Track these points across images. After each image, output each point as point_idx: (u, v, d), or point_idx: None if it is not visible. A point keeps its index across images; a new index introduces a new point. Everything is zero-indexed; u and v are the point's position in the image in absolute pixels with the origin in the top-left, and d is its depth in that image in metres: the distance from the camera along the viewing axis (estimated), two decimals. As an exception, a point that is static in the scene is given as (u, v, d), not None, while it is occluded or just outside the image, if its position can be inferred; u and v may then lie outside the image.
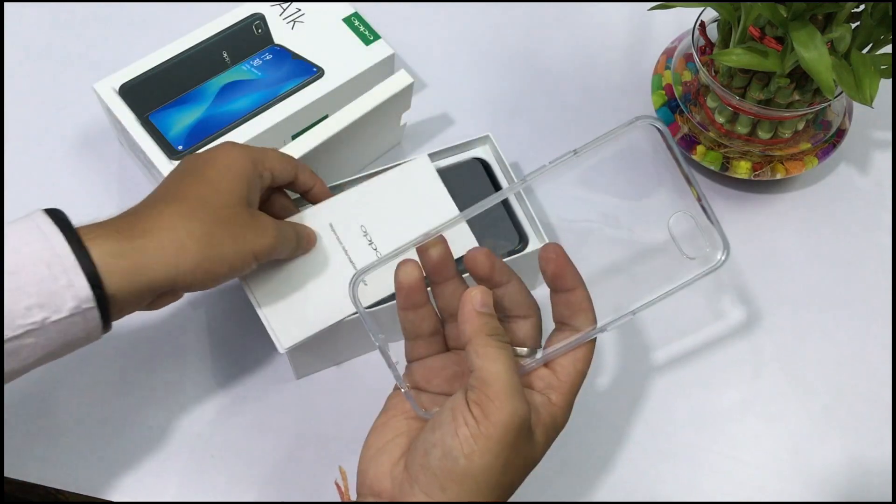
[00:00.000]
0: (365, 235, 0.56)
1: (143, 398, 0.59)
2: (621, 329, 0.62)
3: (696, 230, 0.43)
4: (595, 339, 0.43)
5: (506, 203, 0.60)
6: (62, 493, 0.56)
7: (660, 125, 0.43)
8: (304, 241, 0.54)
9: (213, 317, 0.62)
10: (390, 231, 0.57)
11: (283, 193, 0.55)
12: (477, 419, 0.40)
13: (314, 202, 0.56)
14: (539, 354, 0.45)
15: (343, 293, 0.53)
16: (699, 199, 0.43)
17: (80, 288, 0.42)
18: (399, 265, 0.45)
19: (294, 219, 0.55)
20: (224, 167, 0.49)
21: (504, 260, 0.58)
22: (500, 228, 0.59)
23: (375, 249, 0.56)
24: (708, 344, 0.62)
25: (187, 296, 0.62)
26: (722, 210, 0.68)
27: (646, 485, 0.58)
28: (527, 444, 0.41)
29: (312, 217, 0.56)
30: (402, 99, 0.63)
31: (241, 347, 0.61)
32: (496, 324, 0.42)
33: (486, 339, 0.41)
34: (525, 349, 0.45)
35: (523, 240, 0.59)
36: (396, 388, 0.47)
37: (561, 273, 0.43)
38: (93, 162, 0.68)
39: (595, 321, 0.44)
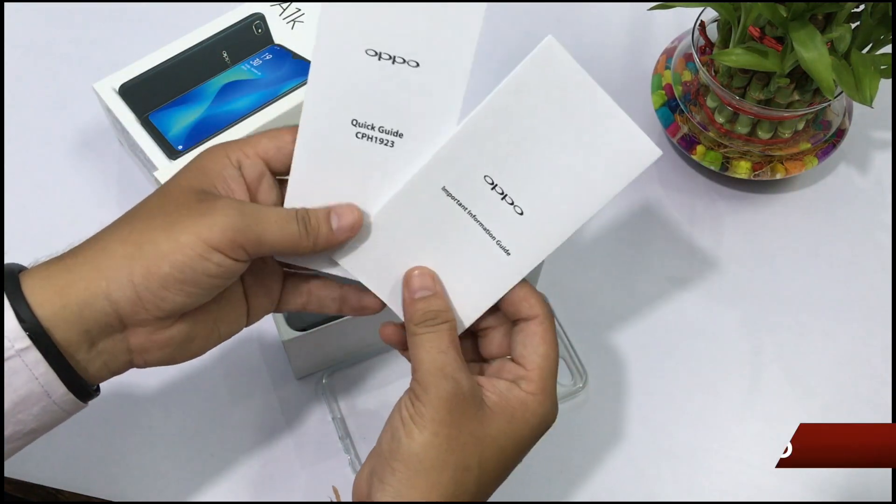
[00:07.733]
0: (494, 188, 0.42)
1: (143, 398, 0.59)
2: (620, 330, 0.63)
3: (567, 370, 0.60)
4: (553, 322, 0.44)
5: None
6: (62, 493, 0.56)
7: None
8: (316, 230, 0.42)
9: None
10: (530, 170, 0.41)
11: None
12: (412, 402, 0.42)
13: None
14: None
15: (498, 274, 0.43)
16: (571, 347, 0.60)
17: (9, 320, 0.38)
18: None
19: (394, 196, 0.43)
20: (187, 169, 0.42)
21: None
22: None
23: (512, 203, 0.42)
24: (708, 344, 0.62)
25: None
26: (722, 210, 0.68)
27: (646, 485, 0.58)
28: (472, 421, 0.41)
29: (415, 187, 0.42)
30: None
31: (241, 347, 0.61)
32: (430, 306, 0.43)
33: (414, 328, 0.43)
34: None
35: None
36: None
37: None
38: (93, 162, 0.68)
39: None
